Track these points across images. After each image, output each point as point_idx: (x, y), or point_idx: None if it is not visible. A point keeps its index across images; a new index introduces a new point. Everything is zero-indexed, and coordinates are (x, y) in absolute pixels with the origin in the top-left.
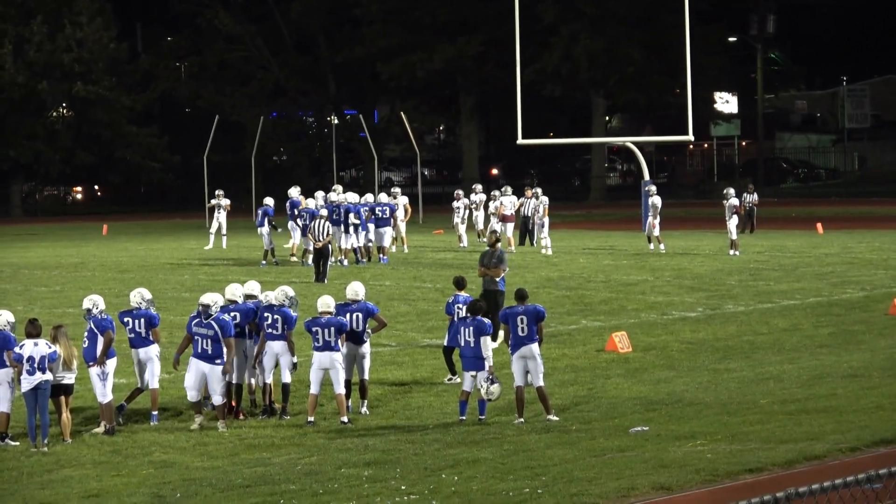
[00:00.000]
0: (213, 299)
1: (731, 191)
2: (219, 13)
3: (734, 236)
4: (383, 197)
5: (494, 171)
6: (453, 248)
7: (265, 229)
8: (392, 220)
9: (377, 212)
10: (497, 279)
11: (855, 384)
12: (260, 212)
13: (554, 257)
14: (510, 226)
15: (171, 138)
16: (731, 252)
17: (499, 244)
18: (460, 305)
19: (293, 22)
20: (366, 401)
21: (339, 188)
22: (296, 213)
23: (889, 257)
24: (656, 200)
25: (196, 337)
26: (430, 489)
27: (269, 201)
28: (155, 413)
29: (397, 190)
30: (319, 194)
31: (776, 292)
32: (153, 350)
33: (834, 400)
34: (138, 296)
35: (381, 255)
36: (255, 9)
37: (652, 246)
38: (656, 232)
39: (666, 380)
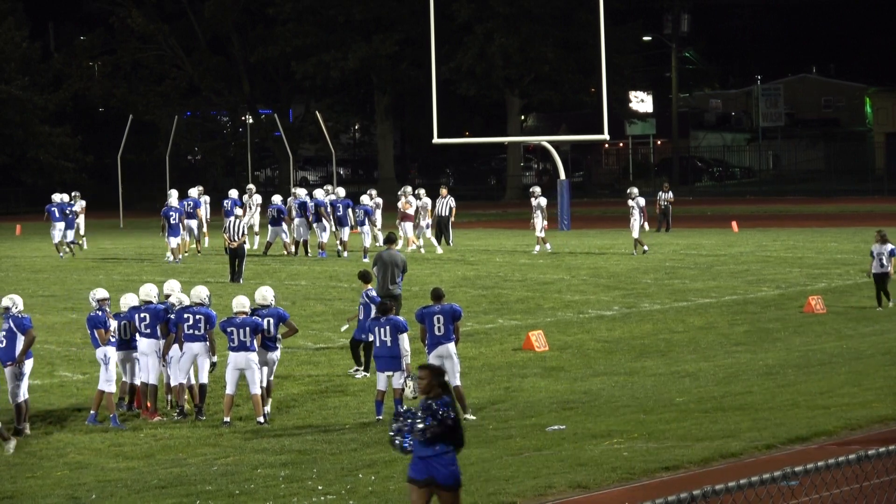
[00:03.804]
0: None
1: (636, 190)
2: (131, 12)
3: (636, 234)
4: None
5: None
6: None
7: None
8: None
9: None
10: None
11: (770, 382)
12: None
13: (429, 255)
14: (409, 225)
15: (85, 138)
16: (642, 249)
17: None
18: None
19: (206, 21)
20: (269, 400)
21: (253, 188)
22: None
23: (803, 255)
24: (542, 201)
25: None
26: (348, 489)
27: (276, 198)
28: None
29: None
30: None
31: (692, 291)
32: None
33: (749, 398)
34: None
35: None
36: (168, 7)
37: (538, 248)
38: (541, 233)
39: (582, 378)
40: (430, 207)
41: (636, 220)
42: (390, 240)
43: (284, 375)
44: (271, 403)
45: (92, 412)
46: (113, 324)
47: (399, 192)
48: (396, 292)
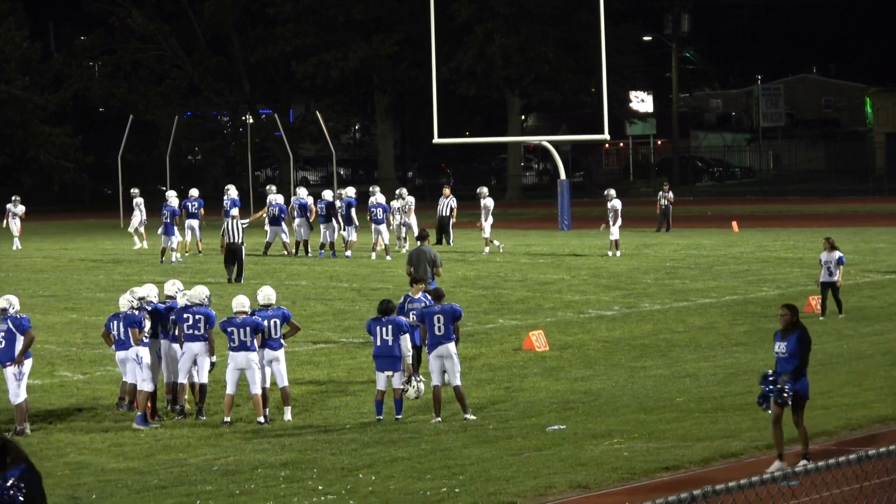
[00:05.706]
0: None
1: (613, 192)
2: (131, 12)
3: (616, 236)
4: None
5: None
6: (367, 248)
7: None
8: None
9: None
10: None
11: None
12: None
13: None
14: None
15: (85, 138)
16: (610, 253)
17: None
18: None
19: (206, 21)
20: (289, 407)
21: (232, 187)
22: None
23: (804, 255)
24: (488, 203)
25: None
26: (348, 489)
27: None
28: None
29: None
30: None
31: (692, 291)
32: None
33: (750, 397)
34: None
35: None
36: (169, 7)
37: (488, 249)
38: (486, 233)
39: (583, 378)
40: (406, 210)
41: (611, 222)
42: (422, 236)
43: None
44: (269, 405)
45: (139, 414)
46: (147, 324)
47: (397, 192)
48: (430, 287)
